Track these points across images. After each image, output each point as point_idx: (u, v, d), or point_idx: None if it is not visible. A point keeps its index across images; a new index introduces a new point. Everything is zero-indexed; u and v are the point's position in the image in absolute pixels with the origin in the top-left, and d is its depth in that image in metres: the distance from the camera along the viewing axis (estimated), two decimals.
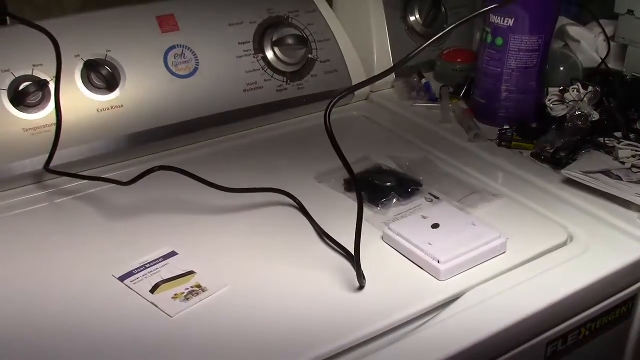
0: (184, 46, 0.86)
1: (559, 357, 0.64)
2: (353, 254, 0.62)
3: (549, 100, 0.88)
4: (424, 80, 1.02)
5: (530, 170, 0.80)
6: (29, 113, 0.77)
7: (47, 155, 0.76)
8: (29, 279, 0.63)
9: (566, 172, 0.76)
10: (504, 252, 0.66)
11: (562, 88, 0.88)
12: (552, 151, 0.81)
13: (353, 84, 0.99)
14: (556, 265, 0.64)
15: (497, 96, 0.90)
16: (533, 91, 0.90)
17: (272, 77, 0.92)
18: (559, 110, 0.87)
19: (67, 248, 0.67)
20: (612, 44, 0.99)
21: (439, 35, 0.65)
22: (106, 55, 0.82)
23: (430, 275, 0.63)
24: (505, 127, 0.87)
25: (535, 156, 0.83)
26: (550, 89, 0.90)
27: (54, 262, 0.65)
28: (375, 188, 0.75)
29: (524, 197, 0.75)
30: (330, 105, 0.59)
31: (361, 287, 0.61)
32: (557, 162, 0.80)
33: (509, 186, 0.78)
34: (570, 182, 0.76)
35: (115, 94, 0.82)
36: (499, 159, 0.83)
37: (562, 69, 0.97)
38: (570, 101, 0.86)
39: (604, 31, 0.99)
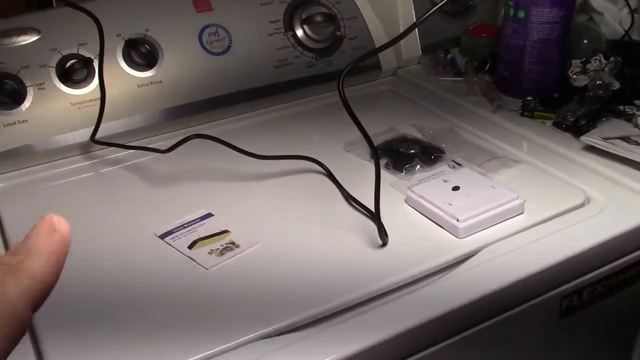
0: (217, 25, 0.91)
1: (574, 312, 0.67)
2: None
3: (572, 71, 0.90)
4: (449, 55, 1.04)
5: (551, 138, 0.82)
6: (75, 88, 0.83)
7: (93, 128, 0.82)
8: (79, 239, 0.68)
9: (585, 138, 0.78)
10: (522, 213, 0.68)
11: (584, 59, 0.90)
12: (573, 119, 0.84)
13: (380, 61, 1.03)
14: (572, 224, 0.67)
15: (521, 68, 0.93)
16: (555, 62, 0.92)
17: (301, 53, 0.96)
18: (581, 81, 0.88)
19: (113, 211, 0.73)
20: (636, 15, 1.00)
21: (442, 2, 0.69)
22: (145, 34, 0.87)
23: (449, 234, 0.66)
24: (528, 98, 0.90)
25: (557, 125, 0.85)
26: (573, 61, 0.92)
27: (101, 224, 0.70)
28: (400, 155, 0.79)
29: (544, 163, 0.78)
30: (342, 75, 0.63)
31: (384, 244, 0.65)
32: (577, 129, 0.82)
33: (529, 153, 0.80)
34: (590, 149, 0.79)
35: (154, 70, 0.87)
36: (521, 128, 0.86)
37: (585, 41, 0.98)
38: (592, 71, 0.88)
39: (627, 3, 1.00)
